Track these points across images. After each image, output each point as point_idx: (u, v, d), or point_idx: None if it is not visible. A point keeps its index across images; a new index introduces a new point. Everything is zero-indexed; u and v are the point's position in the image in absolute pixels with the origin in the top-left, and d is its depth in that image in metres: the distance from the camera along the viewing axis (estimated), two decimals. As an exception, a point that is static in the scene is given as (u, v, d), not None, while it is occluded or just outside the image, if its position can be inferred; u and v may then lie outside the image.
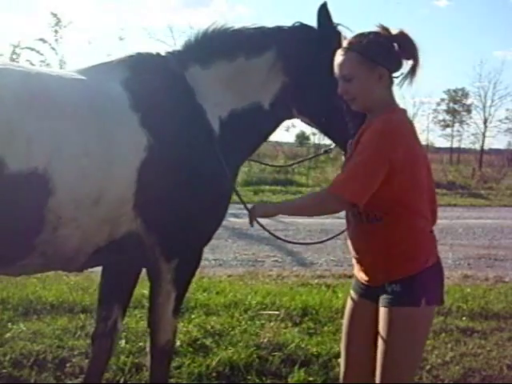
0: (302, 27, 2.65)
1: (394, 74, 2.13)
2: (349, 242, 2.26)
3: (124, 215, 2.27)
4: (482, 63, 76.96)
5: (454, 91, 51.41)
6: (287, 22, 2.70)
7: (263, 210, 2.27)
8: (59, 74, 2.39)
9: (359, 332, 2.20)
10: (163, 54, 2.60)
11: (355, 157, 2.06)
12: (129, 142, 2.23)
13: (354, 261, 2.25)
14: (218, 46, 2.56)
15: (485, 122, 44.10)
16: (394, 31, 2.08)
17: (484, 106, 43.94)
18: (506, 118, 47.92)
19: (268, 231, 2.67)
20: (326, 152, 3.09)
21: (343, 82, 2.09)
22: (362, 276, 2.20)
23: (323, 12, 2.55)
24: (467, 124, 52.18)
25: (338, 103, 2.35)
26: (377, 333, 2.10)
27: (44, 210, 2.06)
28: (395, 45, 2.08)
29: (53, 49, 10.17)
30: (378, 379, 2.09)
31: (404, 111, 2.18)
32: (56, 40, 10.44)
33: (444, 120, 53.10)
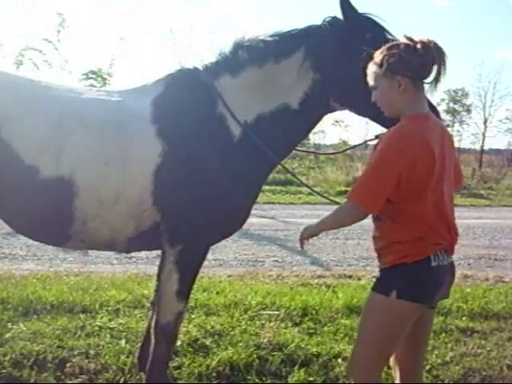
0: (331, 22, 2.73)
1: (426, 80, 2.21)
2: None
3: (146, 211, 2.64)
4: (482, 63, 76.96)
5: (454, 91, 51.38)
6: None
7: (309, 232, 2.44)
8: (98, 97, 2.76)
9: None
10: (199, 67, 2.85)
11: (370, 166, 2.20)
12: (144, 150, 2.62)
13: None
14: (248, 53, 2.76)
15: (485, 122, 44.11)
16: (416, 39, 2.17)
17: (484, 106, 43.95)
18: (506, 118, 47.88)
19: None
20: (377, 137, 3.08)
21: (373, 91, 2.28)
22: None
23: (345, 4, 2.63)
24: (467, 124, 52.18)
25: None
26: (415, 332, 2.30)
27: (72, 207, 2.57)
28: (418, 52, 2.15)
29: (56, 49, 10.23)
30: (352, 356, 2.35)
31: (424, 117, 2.24)
32: (59, 40, 10.50)
33: (444, 120, 53.07)
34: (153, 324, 2.87)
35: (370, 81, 2.27)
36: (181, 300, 2.75)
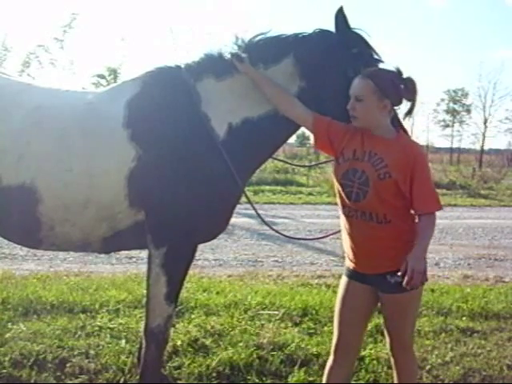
0: (320, 33, 2.73)
1: (395, 107, 2.58)
2: (348, 238, 2.62)
3: (120, 213, 2.63)
4: (481, 63, 76.94)
5: (454, 91, 51.47)
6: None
7: (423, 264, 2.39)
8: (68, 101, 2.72)
9: (352, 312, 2.63)
10: (181, 65, 2.79)
11: (430, 183, 2.54)
12: (115, 155, 2.59)
13: (350, 252, 2.61)
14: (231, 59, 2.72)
15: (485, 122, 44.15)
16: (405, 75, 2.52)
17: (484, 106, 43.99)
18: (506, 118, 48.03)
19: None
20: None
21: (354, 100, 2.48)
22: (361, 265, 2.59)
23: (340, 17, 2.64)
24: (467, 124, 52.25)
25: None
26: (366, 312, 2.67)
27: (36, 214, 2.58)
28: (402, 85, 2.50)
29: (61, 48, 10.28)
30: (396, 344, 2.67)
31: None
32: (62, 41, 10.55)
33: (444, 120, 53.14)
34: (143, 328, 2.86)
35: (358, 91, 2.47)
36: (170, 303, 2.73)
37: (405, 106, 2.59)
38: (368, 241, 2.53)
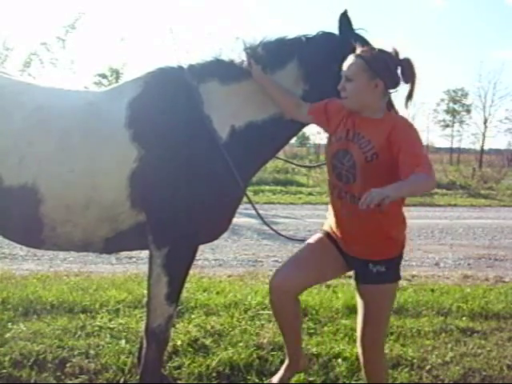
0: (324, 35, 2.75)
1: (391, 90, 2.48)
2: (333, 220, 2.64)
3: (122, 213, 2.63)
4: (481, 63, 76.98)
5: (454, 91, 51.40)
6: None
7: (384, 195, 2.09)
8: (70, 102, 2.71)
9: (316, 258, 2.68)
10: (184, 66, 2.78)
11: (417, 147, 2.35)
12: (117, 156, 2.58)
13: (336, 231, 2.63)
14: (241, 68, 2.75)
15: (485, 122, 44.10)
16: (401, 56, 2.42)
17: (484, 106, 43.95)
18: (506, 118, 47.99)
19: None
20: None
21: (345, 80, 2.43)
22: (344, 246, 2.62)
23: (344, 20, 2.66)
24: (467, 124, 52.19)
25: None
26: (326, 270, 2.72)
27: (38, 214, 2.58)
28: (399, 67, 2.41)
29: (63, 47, 10.31)
30: (368, 340, 2.66)
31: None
32: (64, 40, 10.57)
33: (444, 120, 53.10)
34: (143, 327, 2.86)
35: (348, 71, 2.41)
36: (171, 303, 2.73)
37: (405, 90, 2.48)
38: (356, 225, 2.50)
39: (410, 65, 2.41)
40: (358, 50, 2.43)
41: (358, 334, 2.71)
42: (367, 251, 2.53)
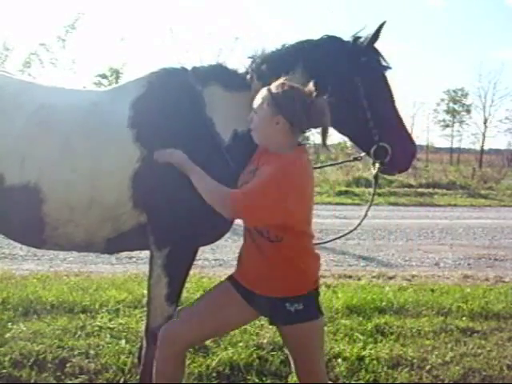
0: (328, 39, 2.71)
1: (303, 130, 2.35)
2: (244, 256, 2.49)
3: (124, 214, 2.62)
4: (481, 63, 76.99)
5: (454, 91, 51.46)
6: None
7: (176, 159, 2.43)
8: (72, 102, 2.70)
9: (220, 311, 2.46)
10: (188, 68, 2.77)
11: (262, 182, 2.23)
12: (120, 156, 2.57)
13: (242, 267, 2.48)
14: (245, 79, 2.72)
15: (485, 122, 44.16)
16: (313, 95, 2.27)
17: (484, 106, 44.00)
18: (506, 118, 48.05)
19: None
20: (355, 159, 3.17)
21: (253, 112, 2.35)
22: (249, 283, 2.42)
23: (377, 32, 2.61)
24: (467, 124, 52.27)
25: (363, 113, 2.59)
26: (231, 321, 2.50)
27: (40, 214, 2.56)
28: (310, 109, 2.26)
29: (63, 47, 10.31)
30: (302, 371, 2.45)
31: (303, 152, 2.40)
32: (64, 40, 10.58)
33: (444, 120, 53.15)
34: (143, 328, 2.85)
35: (255, 102, 2.34)
36: (171, 303, 2.73)
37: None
38: (261, 259, 2.37)
39: (317, 107, 2.27)
40: (272, 84, 2.32)
41: (292, 365, 2.53)
42: (278, 287, 2.35)
